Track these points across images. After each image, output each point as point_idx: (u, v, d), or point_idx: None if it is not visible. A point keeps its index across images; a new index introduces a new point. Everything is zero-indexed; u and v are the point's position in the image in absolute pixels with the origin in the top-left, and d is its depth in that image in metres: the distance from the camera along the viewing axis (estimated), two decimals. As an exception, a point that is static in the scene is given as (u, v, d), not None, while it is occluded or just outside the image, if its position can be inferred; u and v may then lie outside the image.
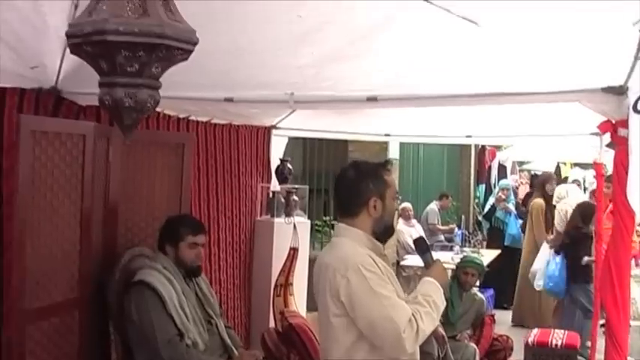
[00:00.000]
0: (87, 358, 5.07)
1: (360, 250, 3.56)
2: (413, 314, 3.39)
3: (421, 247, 3.94)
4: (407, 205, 12.53)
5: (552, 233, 10.16)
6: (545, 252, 9.85)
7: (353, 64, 4.61)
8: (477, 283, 8.13)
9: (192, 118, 6.73)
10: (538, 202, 10.93)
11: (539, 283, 9.68)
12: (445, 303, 3.72)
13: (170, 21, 2.68)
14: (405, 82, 4.92)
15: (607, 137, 5.07)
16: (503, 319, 10.84)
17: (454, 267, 8.65)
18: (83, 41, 2.68)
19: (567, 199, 10.08)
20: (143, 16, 2.64)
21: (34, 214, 4.54)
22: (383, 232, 3.71)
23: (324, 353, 3.70)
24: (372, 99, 5.20)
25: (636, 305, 8.58)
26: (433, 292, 3.59)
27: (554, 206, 10.31)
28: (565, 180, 15.82)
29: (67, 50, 3.99)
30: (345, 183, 3.71)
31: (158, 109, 6.02)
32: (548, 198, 10.80)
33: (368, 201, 3.63)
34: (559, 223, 9.71)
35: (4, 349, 4.79)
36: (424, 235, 10.98)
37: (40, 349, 4.66)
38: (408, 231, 11.93)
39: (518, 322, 10.89)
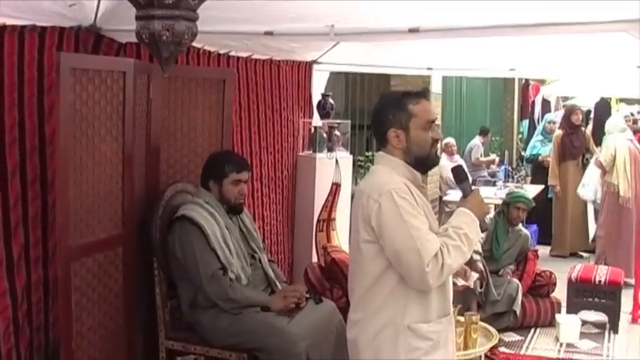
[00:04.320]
0: (131, 294, 5.11)
1: (396, 177, 3.46)
2: (440, 248, 3.29)
3: (459, 175, 3.82)
4: (450, 140, 12.46)
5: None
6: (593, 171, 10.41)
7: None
8: (522, 219, 8.09)
9: (233, 53, 6.68)
10: (557, 132, 11.49)
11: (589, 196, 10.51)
12: (480, 234, 3.63)
13: (207, -49, 2.65)
14: (448, 13, 4.83)
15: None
16: (547, 255, 10.95)
17: (497, 202, 8.61)
18: (119, -27, 2.66)
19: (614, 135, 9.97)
20: (179, -54, 2.61)
21: (76, 152, 4.53)
22: (416, 164, 3.56)
23: (352, 280, 3.64)
24: (414, 30, 5.12)
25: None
26: (465, 225, 3.46)
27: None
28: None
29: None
30: (373, 114, 3.64)
31: (198, 45, 6.00)
32: (573, 128, 11.20)
33: (387, 132, 3.53)
34: (605, 158, 9.70)
35: (50, 285, 4.86)
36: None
37: (85, 286, 4.69)
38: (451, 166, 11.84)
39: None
